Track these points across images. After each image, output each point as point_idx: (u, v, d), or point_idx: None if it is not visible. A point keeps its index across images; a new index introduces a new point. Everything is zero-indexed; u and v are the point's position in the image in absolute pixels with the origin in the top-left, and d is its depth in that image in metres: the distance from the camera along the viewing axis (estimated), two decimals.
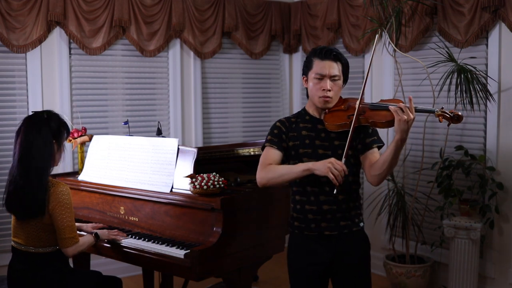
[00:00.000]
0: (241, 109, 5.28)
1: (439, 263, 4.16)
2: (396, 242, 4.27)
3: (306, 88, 2.50)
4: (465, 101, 3.61)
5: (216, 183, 2.87)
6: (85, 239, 2.88)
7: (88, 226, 3.20)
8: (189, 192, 2.94)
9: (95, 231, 3.01)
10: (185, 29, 4.74)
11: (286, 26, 5.30)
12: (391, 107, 2.23)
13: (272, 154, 2.42)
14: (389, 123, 2.29)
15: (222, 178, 2.92)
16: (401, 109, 2.18)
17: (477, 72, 3.66)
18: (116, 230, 3.11)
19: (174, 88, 4.83)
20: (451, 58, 3.70)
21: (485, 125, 3.87)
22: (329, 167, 2.20)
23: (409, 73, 4.26)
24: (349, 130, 2.34)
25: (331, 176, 2.20)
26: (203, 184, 2.85)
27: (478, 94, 3.58)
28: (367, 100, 4.20)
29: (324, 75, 2.39)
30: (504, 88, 3.73)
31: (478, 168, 3.79)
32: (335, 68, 2.40)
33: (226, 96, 5.19)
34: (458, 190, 3.75)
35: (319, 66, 2.40)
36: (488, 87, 3.67)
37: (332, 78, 2.40)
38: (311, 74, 2.42)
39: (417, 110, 2.24)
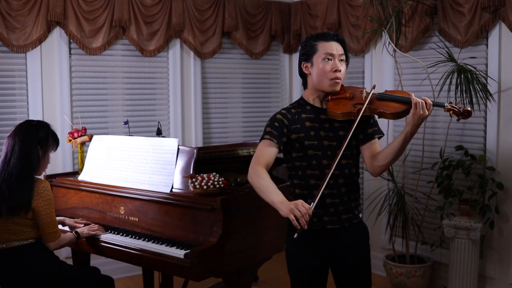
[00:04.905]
0: (241, 109, 5.27)
1: (439, 263, 4.16)
2: (396, 242, 4.27)
3: (304, 77, 2.44)
4: (465, 101, 3.61)
5: (216, 183, 2.87)
6: (66, 236, 2.98)
7: (71, 220, 3.26)
8: (189, 192, 2.94)
9: (75, 229, 3.09)
10: (185, 29, 4.74)
11: (286, 26, 5.30)
12: (413, 99, 2.20)
13: (268, 151, 2.34)
14: (398, 115, 2.28)
15: (222, 178, 2.93)
16: (418, 104, 2.18)
17: (477, 72, 3.66)
18: (96, 225, 3.16)
19: (174, 88, 4.83)
20: (451, 58, 3.70)
21: (485, 125, 3.87)
22: (291, 208, 2.08)
23: (409, 73, 4.26)
24: (355, 120, 2.29)
25: (291, 217, 2.07)
26: (203, 184, 2.85)
27: (478, 94, 3.58)
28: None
29: (334, 54, 2.34)
30: (504, 88, 3.73)
31: (478, 168, 3.79)
32: (340, 49, 2.37)
33: (226, 96, 5.19)
34: (458, 190, 3.74)
35: (326, 47, 2.34)
36: (488, 87, 3.67)
37: (340, 59, 2.36)
38: (318, 57, 2.35)
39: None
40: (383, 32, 4.09)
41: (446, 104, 2.27)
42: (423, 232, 4.11)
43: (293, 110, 2.43)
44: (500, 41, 3.72)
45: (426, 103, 2.20)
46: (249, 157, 3.23)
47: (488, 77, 3.72)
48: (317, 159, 2.35)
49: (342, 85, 2.42)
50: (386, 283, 4.27)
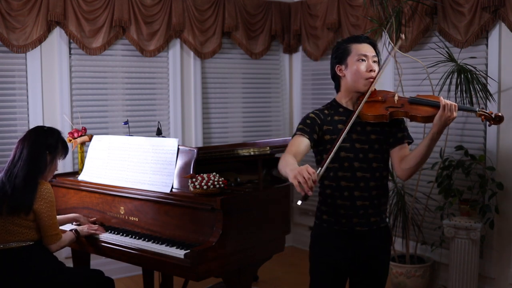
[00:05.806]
0: (241, 109, 5.28)
1: (439, 263, 4.16)
2: (396, 242, 4.27)
3: (337, 80, 2.46)
4: (465, 101, 3.61)
5: (216, 183, 2.87)
6: (67, 236, 2.99)
7: (85, 219, 3.27)
8: (189, 192, 2.94)
9: (74, 227, 3.12)
10: (185, 29, 4.74)
11: (286, 26, 5.30)
12: (442, 101, 2.23)
13: (298, 141, 2.31)
14: (429, 118, 2.33)
15: (222, 178, 2.92)
16: (447, 105, 2.22)
17: (477, 72, 3.66)
18: (96, 225, 3.18)
19: (174, 88, 4.83)
20: (451, 58, 3.70)
21: (485, 125, 3.86)
22: (296, 173, 1.97)
23: (409, 73, 4.26)
24: (387, 122, 2.35)
25: (296, 183, 1.97)
26: (203, 184, 2.85)
27: (478, 94, 3.58)
28: None
29: (367, 55, 2.38)
30: (504, 88, 3.73)
31: (478, 168, 3.79)
32: (372, 51, 2.42)
33: (226, 96, 5.19)
34: (458, 190, 3.74)
35: (359, 48, 2.39)
36: (488, 87, 3.67)
37: (373, 60, 2.40)
38: (352, 58, 2.39)
39: (459, 109, 2.27)
40: (383, 32, 4.09)
41: (477, 109, 2.33)
42: (423, 232, 4.11)
43: (326, 111, 2.45)
44: (500, 41, 3.72)
45: (454, 106, 2.24)
46: (249, 157, 3.23)
47: (488, 77, 3.72)
48: (349, 161, 2.38)
49: (374, 89, 2.45)
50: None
